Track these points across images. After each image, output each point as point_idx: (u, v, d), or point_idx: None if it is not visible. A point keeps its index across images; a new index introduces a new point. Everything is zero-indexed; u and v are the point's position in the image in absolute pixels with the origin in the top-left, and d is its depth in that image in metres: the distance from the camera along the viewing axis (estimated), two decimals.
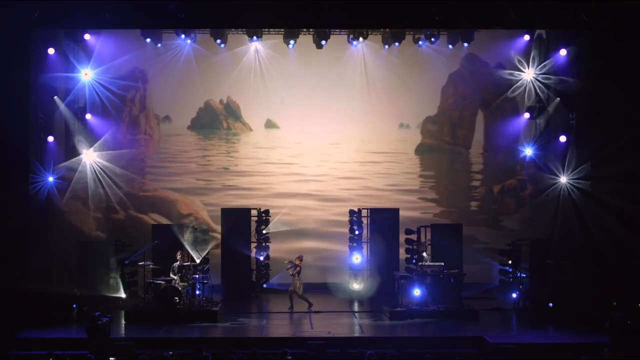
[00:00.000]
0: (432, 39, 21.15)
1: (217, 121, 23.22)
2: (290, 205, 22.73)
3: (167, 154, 22.98)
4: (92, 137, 21.46)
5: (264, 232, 21.13)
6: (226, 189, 22.88)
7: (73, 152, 21.00)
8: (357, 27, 20.69)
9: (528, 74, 21.22)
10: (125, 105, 22.50)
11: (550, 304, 18.19)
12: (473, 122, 23.31)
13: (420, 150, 23.32)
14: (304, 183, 23.01)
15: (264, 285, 21.18)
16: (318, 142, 23.17)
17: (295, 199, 22.86)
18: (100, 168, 21.54)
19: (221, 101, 23.17)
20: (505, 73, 21.69)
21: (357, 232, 21.24)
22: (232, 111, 23.25)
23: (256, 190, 22.83)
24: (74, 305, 18.40)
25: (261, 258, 21.14)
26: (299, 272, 19.14)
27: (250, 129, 23.30)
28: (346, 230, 21.64)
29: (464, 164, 23.37)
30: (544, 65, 20.63)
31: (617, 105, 18.21)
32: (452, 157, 23.40)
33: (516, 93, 21.81)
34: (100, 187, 21.62)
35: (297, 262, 19.21)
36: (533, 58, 21.18)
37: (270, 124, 23.21)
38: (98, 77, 21.02)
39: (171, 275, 18.20)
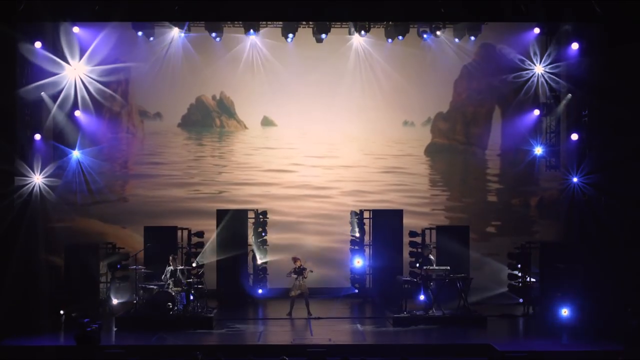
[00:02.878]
0: (438, 33, 21.06)
1: (210, 118, 23.09)
2: (288, 207, 22.69)
3: (154, 154, 22.83)
4: (81, 135, 21.32)
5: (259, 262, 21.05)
6: (219, 190, 22.77)
7: (61, 151, 20.88)
8: (359, 20, 20.63)
9: (538, 69, 21.06)
10: (116, 102, 22.38)
11: (564, 310, 18.12)
12: (489, 120, 22.96)
13: (430, 150, 23.07)
14: (302, 184, 22.94)
15: (260, 291, 21.06)
16: (318, 140, 23.09)
17: (294, 201, 22.79)
18: (89, 168, 21.44)
19: (214, 97, 23.03)
20: (518, 67, 21.46)
21: (358, 235, 21.22)
22: (225, 108, 23.12)
23: (251, 192, 22.72)
24: (61, 312, 18.35)
25: (259, 262, 21.08)
26: (305, 270, 19.09)
27: (245, 127, 23.21)
28: (347, 232, 21.59)
29: (479, 166, 23.07)
30: (555, 60, 20.53)
31: (631, 101, 18.16)
32: (465, 158, 23.13)
33: (532, 90, 21.48)
34: (90, 185, 21.53)
35: (299, 264, 19.12)
36: (543, 52, 20.97)
37: (267, 122, 23.12)
38: (87, 72, 20.85)
39: (164, 280, 18.15)
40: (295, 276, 19.01)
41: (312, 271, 19.18)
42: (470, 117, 22.91)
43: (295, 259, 19.23)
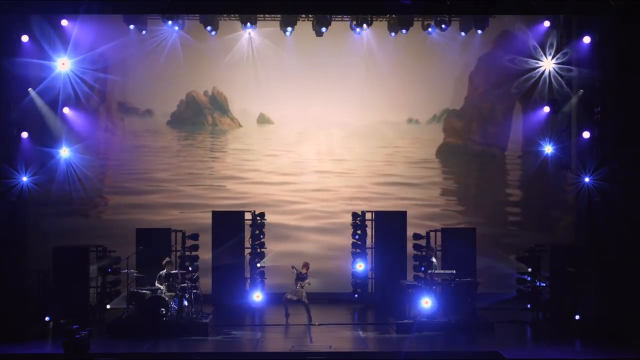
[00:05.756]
0: (443, 26, 21.00)
1: (201, 116, 23.02)
2: (286, 208, 22.61)
3: (143, 152, 22.75)
4: (70, 133, 21.29)
5: (258, 265, 20.90)
6: (213, 191, 22.68)
7: (49, 150, 20.84)
8: (361, 13, 20.56)
9: (548, 64, 20.93)
10: (108, 98, 22.36)
11: (577, 317, 18.08)
12: (509, 118, 22.71)
13: (442, 151, 22.91)
14: (301, 183, 22.88)
15: (258, 298, 20.97)
16: (317, 138, 23.06)
17: (292, 201, 22.72)
18: (78, 167, 21.39)
19: (206, 93, 22.95)
20: (521, 63, 21.34)
21: (359, 238, 21.15)
22: (218, 104, 23.04)
23: (247, 193, 22.66)
24: (47, 318, 18.24)
25: (257, 265, 20.99)
26: (307, 281, 19.02)
27: (240, 125, 23.15)
28: (349, 235, 21.51)
29: (498, 169, 22.85)
30: (567, 54, 20.43)
31: None
32: (482, 160, 22.92)
33: (545, 86, 21.30)
34: (80, 185, 21.48)
35: (305, 271, 19.03)
36: (554, 46, 20.83)
37: (263, 120, 23.05)
38: (76, 67, 20.77)
39: (157, 285, 18.07)
40: (296, 281, 18.92)
41: (309, 284, 19.02)
42: (488, 115, 22.62)
43: (304, 265, 19.11)
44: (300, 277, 18.87)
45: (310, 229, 22.68)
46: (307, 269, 19.06)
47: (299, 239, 22.51)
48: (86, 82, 21.11)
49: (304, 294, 18.87)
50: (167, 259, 18.56)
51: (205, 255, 20.46)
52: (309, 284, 18.94)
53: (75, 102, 21.27)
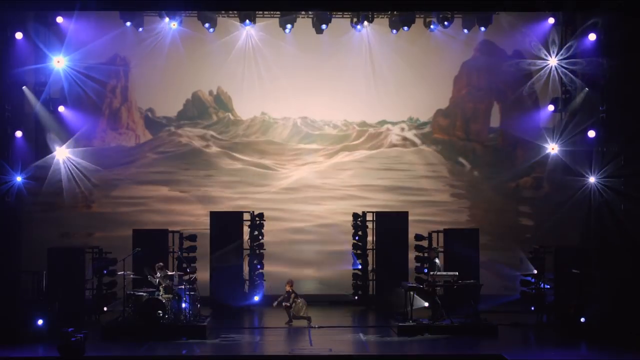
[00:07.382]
0: (445, 23, 20.95)
1: (206, 114, 23.03)
2: (286, 208, 22.55)
3: (146, 151, 22.76)
4: (66, 132, 21.25)
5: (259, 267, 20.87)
6: (213, 190, 22.67)
7: (44, 149, 20.79)
8: (362, 9, 20.49)
9: (552, 61, 20.92)
10: (105, 97, 22.33)
11: (582, 319, 18.00)
12: (488, 116, 23.04)
13: (445, 150, 23.13)
14: (302, 182, 22.84)
15: (256, 299, 20.92)
16: (318, 137, 23.07)
17: (292, 202, 22.69)
18: (76, 167, 21.35)
19: (211, 92, 23.04)
20: (525, 61, 21.38)
21: (360, 239, 21.06)
22: (222, 103, 23.07)
23: (247, 192, 22.65)
24: (41, 321, 18.16)
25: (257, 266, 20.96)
26: (296, 296, 18.84)
27: (243, 123, 23.19)
28: (349, 235, 21.42)
29: (478, 162, 23.09)
30: (571, 52, 20.39)
31: None
32: (465, 154, 23.14)
33: (540, 82, 21.36)
34: (76, 186, 21.45)
35: (288, 288, 18.85)
36: (558, 43, 20.84)
37: (265, 118, 23.15)
38: (72, 65, 20.79)
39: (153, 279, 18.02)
40: (286, 303, 18.74)
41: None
42: (470, 114, 22.99)
43: (288, 282, 18.93)
44: (286, 298, 18.70)
45: (310, 230, 22.62)
46: (291, 285, 18.84)
47: (298, 239, 22.46)
48: (83, 80, 21.09)
49: (300, 306, 18.70)
50: (160, 264, 18.46)
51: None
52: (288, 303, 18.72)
53: (72, 101, 21.23)
